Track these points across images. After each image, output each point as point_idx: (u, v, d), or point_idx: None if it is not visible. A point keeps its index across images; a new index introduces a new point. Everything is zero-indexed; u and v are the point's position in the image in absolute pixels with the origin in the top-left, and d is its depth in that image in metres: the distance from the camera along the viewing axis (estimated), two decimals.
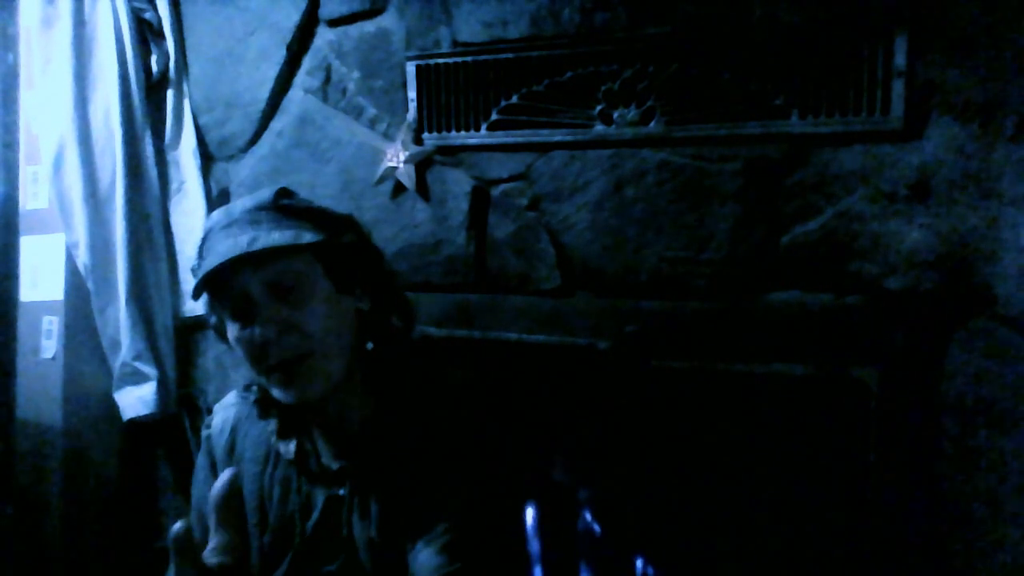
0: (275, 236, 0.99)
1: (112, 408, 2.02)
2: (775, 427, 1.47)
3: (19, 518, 1.92)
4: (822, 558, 1.45)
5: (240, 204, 1.05)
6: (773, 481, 1.49)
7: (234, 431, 1.16)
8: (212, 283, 1.01)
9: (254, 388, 1.14)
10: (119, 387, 1.99)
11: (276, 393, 1.03)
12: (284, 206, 1.04)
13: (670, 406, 1.55)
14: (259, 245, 0.97)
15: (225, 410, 1.19)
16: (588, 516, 1.72)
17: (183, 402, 2.08)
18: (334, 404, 1.06)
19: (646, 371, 1.53)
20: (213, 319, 1.09)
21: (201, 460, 1.18)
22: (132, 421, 2.00)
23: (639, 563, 1.67)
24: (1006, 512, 1.31)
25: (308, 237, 1.01)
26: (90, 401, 2.05)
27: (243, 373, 2.02)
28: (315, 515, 1.08)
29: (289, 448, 1.09)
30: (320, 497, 1.09)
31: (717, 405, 1.51)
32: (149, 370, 1.98)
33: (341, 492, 1.08)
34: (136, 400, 1.99)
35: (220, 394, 2.06)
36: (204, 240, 1.05)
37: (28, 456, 1.99)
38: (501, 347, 1.65)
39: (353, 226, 1.11)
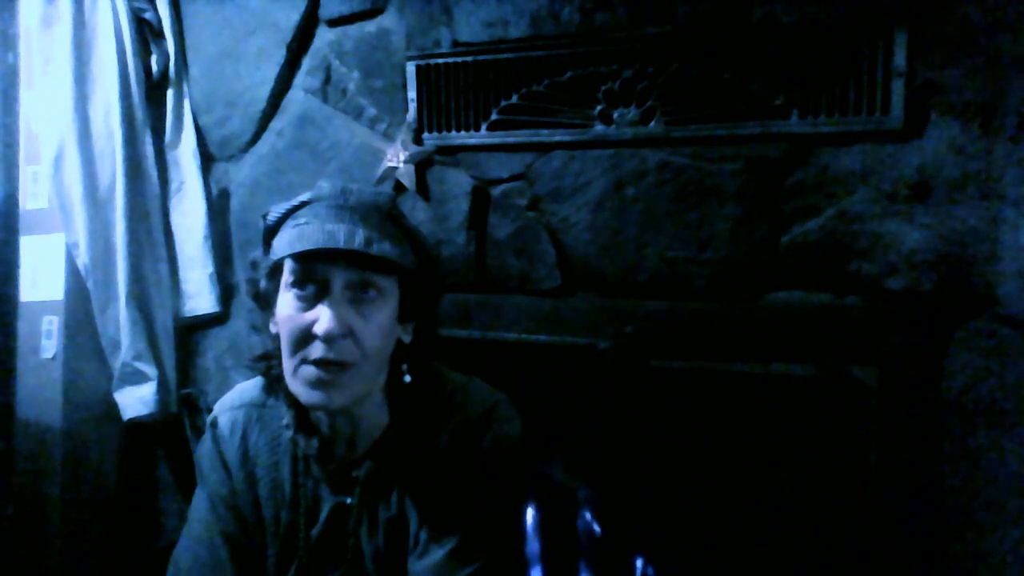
0: (387, 247, 0.97)
1: (112, 408, 2.01)
2: (775, 427, 1.47)
3: (19, 518, 1.92)
4: (822, 558, 1.45)
5: (356, 192, 1.03)
6: (773, 481, 1.49)
7: (244, 437, 1.13)
8: (296, 253, 0.97)
9: (260, 388, 1.13)
10: (119, 387, 1.99)
11: (298, 389, 0.99)
12: (395, 216, 1.04)
13: (670, 406, 1.55)
14: (375, 250, 0.96)
15: (232, 412, 1.15)
16: (588, 516, 1.72)
17: (183, 402, 2.08)
18: (348, 414, 1.05)
19: (646, 371, 1.53)
20: (263, 282, 1.05)
21: (210, 454, 1.14)
22: (132, 421, 2.00)
23: (639, 563, 1.67)
24: (1007, 512, 1.31)
25: (410, 260, 1.02)
26: (90, 401, 2.05)
27: (243, 373, 2.02)
28: (320, 522, 1.08)
29: (312, 443, 1.06)
30: (326, 504, 1.09)
31: (717, 405, 1.51)
32: (149, 370, 1.98)
33: (348, 501, 1.08)
34: (136, 400, 1.98)
35: (220, 394, 2.05)
36: (308, 203, 1.02)
37: (28, 456, 1.98)
38: (501, 347, 1.65)
39: (438, 261, 1.12)
